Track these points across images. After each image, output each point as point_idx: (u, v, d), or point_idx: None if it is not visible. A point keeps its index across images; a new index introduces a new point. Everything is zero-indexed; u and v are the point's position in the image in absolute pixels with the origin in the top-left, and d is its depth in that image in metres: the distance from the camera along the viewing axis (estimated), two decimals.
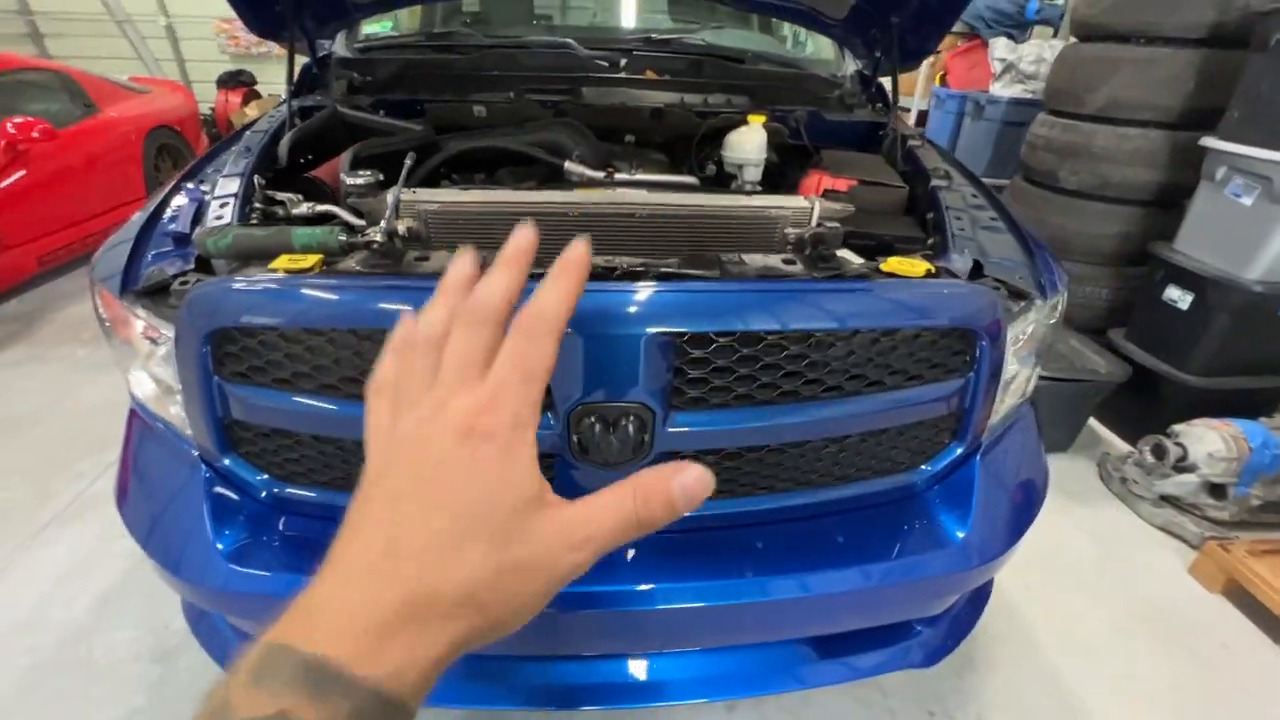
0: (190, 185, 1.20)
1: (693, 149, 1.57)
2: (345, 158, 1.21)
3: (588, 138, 1.44)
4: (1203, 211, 2.24)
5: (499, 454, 0.32)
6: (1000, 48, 3.89)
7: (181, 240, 1.04)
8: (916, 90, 4.74)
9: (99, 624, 1.59)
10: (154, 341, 0.98)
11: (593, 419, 0.85)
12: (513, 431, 0.33)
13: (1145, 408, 2.37)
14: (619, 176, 1.26)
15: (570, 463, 0.89)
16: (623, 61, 1.73)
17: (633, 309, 0.83)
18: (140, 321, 0.96)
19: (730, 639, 1.12)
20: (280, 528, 1.00)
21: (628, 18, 2.38)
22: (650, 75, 1.74)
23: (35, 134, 3.15)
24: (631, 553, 0.99)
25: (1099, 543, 2.01)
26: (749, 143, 1.40)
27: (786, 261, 1.01)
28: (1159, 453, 2.08)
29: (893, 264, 1.00)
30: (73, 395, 2.53)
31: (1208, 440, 2.00)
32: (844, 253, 1.09)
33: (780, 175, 1.56)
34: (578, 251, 0.37)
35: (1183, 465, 2.03)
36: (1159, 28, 2.43)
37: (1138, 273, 2.58)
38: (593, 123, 1.51)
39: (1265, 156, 1.98)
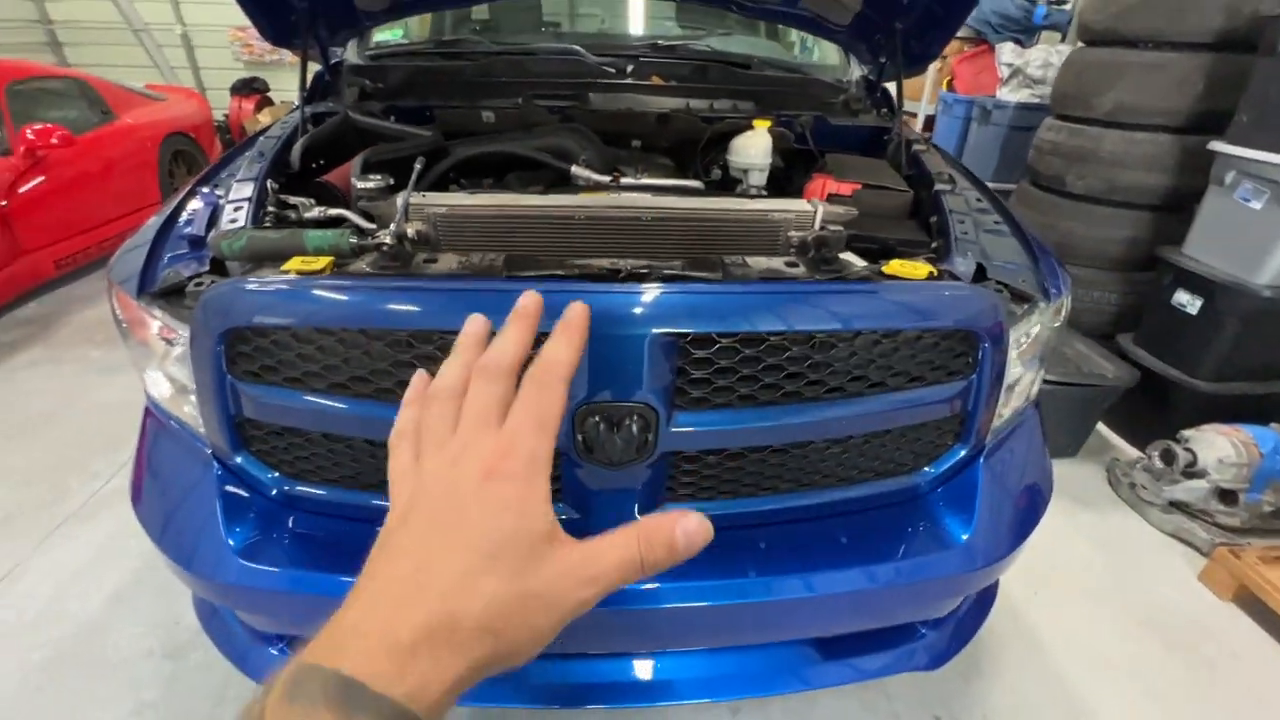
0: (205, 189, 1.22)
1: (698, 154, 1.58)
2: (356, 163, 1.24)
3: (594, 143, 1.45)
4: (1212, 216, 2.23)
5: (518, 494, 0.35)
6: (1007, 53, 3.89)
7: (197, 243, 1.06)
8: (924, 95, 4.74)
9: (112, 620, 1.61)
10: (169, 342, 1.00)
11: (597, 418, 0.86)
12: (530, 473, 0.35)
13: (1154, 413, 2.36)
14: (625, 181, 1.28)
15: (575, 461, 0.91)
16: (629, 67, 1.75)
17: (637, 310, 0.84)
18: (156, 322, 0.99)
19: (734, 639, 1.13)
20: (290, 525, 1.02)
21: (635, 25, 2.41)
22: (656, 81, 1.76)
23: (54, 140, 3.21)
24: None
25: (1107, 549, 1.99)
26: (754, 147, 1.41)
27: (789, 264, 1.02)
28: (1168, 458, 2.07)
29: (895, 266, 1.01)
30: (87, 396, 2.57)
31: (1218, 446, 1.98)
32: (847, 256, 1.10)
33: (785, 180, 1.57)
34: (579, 311, 0.42)
35: (1192, 471, 2.01)
36: (1167, 32, 2.43)
37: (1146, 277, 2.57)
38: (599, 128, 1.53)
39: (1274, 161, 1.97)
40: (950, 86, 4.52)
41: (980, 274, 1.08)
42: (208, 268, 1.00)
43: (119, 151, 3.89)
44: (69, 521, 1.93)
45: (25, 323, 3.17)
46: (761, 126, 1.43)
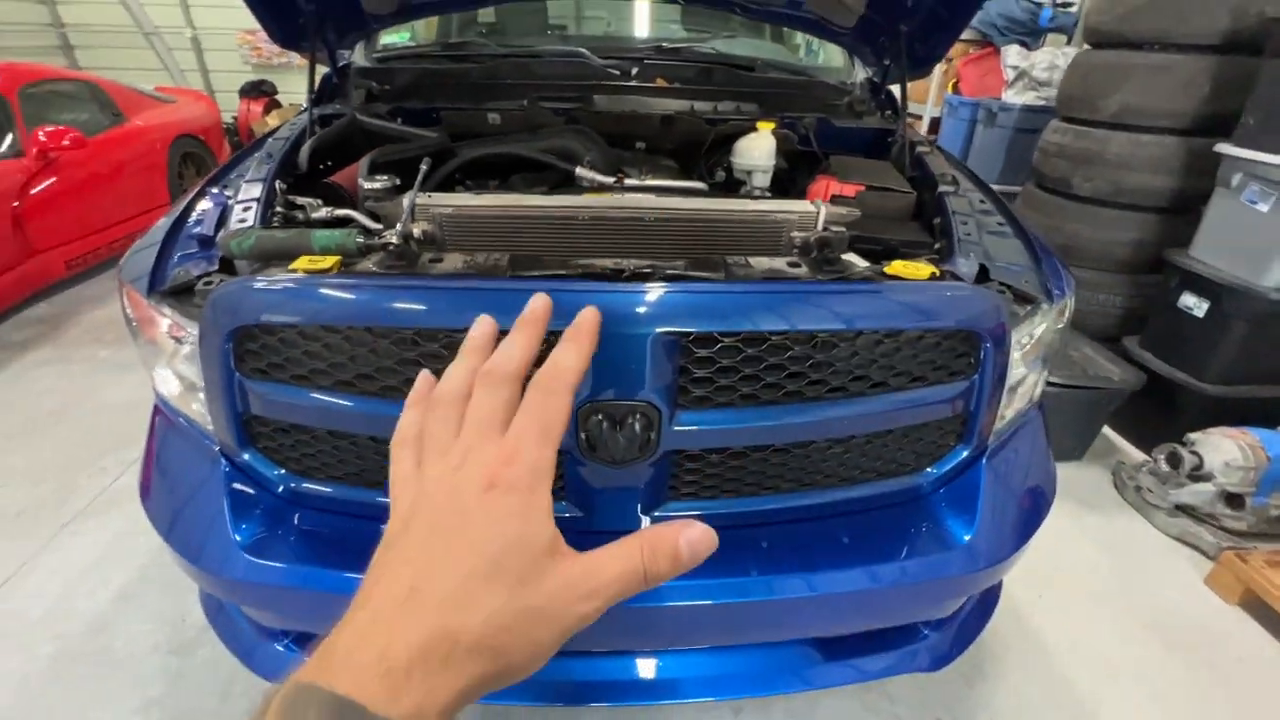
0: (214, 190, 1.24)
1: (702, 155, 1.59)
2: (363, 164, 1.25)
3: (599, 144, 1.46)
4: (1218, 218, 2.22)
5: (520, 504, 0.34)
6: (1013, 55, 3.88)
7: (206, 242, 1.08)
8: (929, 98, 4.74)
9: (119, 617, 1.63)
10: (178, 340, 1.01)
11: (600, 417, 0.86)
12: (532, 482, 0.35)
13: (1160, 416, 2.35)
14: (629, 182, 1.29)
15: (578, 459, 0.91)
16: (634, 70, 1.76)
17: (640, 309, 0.85)
18: (166, 320, 1.00)
19: (736, 638, 1.13)
20: (295, 522, 1.03)
21: (640, 28, 2.42)
22: (661, 83, 1.77)
23: (66, 142, 3.25)
24: None
25: (1113, 552, 1.99)
26: (758, 149, 1.42)
27: (791, 264, 1.02)
28: (1174, 461, 2.06)
29: (897, 267, 1.01)
30: (97, 395, 2.60)
31: (1224, 449, 1.97)
32: (849, 256, 1.10)
33: (789, 181, 1.58)
34: (590, 317, 0.41)
35: (1199, 474, 2.00)
36: (1173, 34, 2.43)
37: (1152, 280, 2.56)
38: (604, 130, 1.54)
39: None
40: (956, 89, 4.52)
41: (983, 275, 1.08)
42: (216, 267, 1.01)
43: (129, 153, 3.93)
44: (77, 519, 1.95)
45: (36, 322, 3.21)
46: (765, 128, 1.44)
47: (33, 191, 3.18)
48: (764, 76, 1.85)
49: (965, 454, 1.09)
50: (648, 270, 0.93)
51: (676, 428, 0.90)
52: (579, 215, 1.10)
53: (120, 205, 3.81)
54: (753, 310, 0.88)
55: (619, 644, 1.11)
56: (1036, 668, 1.59)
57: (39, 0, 6.71)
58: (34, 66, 3.79)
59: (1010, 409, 1.14)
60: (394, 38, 2.09)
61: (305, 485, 1.02)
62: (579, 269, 0.93)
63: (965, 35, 4.14)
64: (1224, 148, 2.15)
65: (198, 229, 1.11)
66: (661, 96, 1.72)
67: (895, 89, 1.80)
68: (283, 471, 1.02)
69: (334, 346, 0.90)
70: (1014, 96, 3.87)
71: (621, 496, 0.97)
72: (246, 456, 1.02)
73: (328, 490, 1.02)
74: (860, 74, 1.95)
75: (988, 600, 1.30)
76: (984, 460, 1.12)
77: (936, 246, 1.20)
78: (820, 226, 1.08)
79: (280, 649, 1.14)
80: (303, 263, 0.95)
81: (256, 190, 1.15)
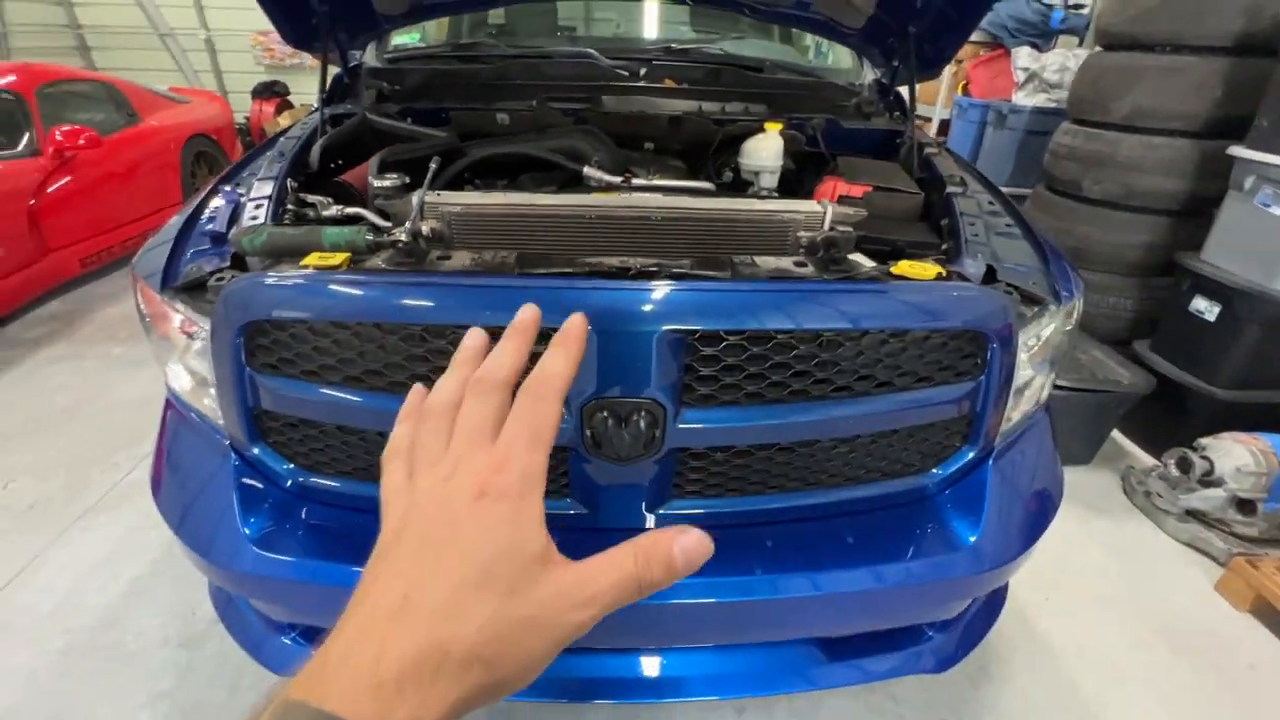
0: (227, 188, 1.25)
1: (710, 156, 1.60)
2: (373, 162, 1.26)
3: (607, 144, 1.47)
4: (1231, 221, 2.20)
5: (510, 512, 0.34)
6: (1023, 57, 3.86)
7: (219, 239, 1.09)
8: (938, 99, 4.72)
9: (130, 610, 1.65)
10: (190, 336, 1.03)
11: (605, 414, 0.87)
12: (523, 490, 0.35)
13: (1170, 420, 2.33)
14: (636, 182, 1.29)
15: (583, 456, 0.92)
16: (643, 71, 1.77)
17: (646, 307, 0.85)
18: (178, 316, 1.02)
19: (740, 636, 1.13)
20: (303, 516, 1.04)
21: (649, 29, 2.43)
22: (669, 84, 1.77)
23: (82, 141, 3.29)
24: None
25: (1122, 557, 1.97)
26: (765, 150, 1.42)
27: (798, 264, 1.03)
28: (1184, 466, 2.04)
29: (903, 267, 1.01)
30: (109, 391, 2.63)
31: (1235, 454, 1.95)
32: (856, 256, 1.10)
33: (797, 182, 1.58)
34: (577, 323, 0.41)
35: (1209, 480, 1.98)
36: (1186, 36, 2.41)
37: (1163, 283, 2.55)
38: (612, 130, 1.55)
39: None
40: (965, 91, 4.50)
41: (990, 276, 1.08)
42: (229, 263, 1.02)
43: (143, 153, 3.98)
44: (89, 514, 1.98)
45: (50, 319, 3.25)
46: (773, 129, 1.44)
47: (49, 190, 3.22)
48: (772, 77, 1.85)
49: (971, 455, 1.09)
50: (654, 269, 0.94)
51: (681, 425, 0.90)
52: (586, 214, 1.10)
53: (134, 204, 3.86)
54: (758, 309, 0.88)
55: (623, 641, 1.11)
56: (1043, 670, 1.58)
57: (56, 2, 6.81)
58: (51, 67, 3.84)
59: (1017, 411, 1.14)
60: (405, 38, 2.11)
61: (313, 480, 1.03)
62: (586, 267, 0.94)
63: (975, 37, 4.14)
64: (1237, 150, 2.13)
65: (210, 226, 1.13)
66: (669, 97, 1.72)
67: (904, 90, 1.80)
68: (291, 466, 1.03)
69: (343, 342, 0.91)
70: (1024, 98, 3.85)
71: (626, 494, 0.98)
72: (256, 451, 1.03)
73: (335, 485, 1.03)
74: (869, 75, 1.95)
75: (994, 602, 1.29)
76: (990, 462, 1.11)
77: (944, 247, 1.20)
78: (827, 226, 1.08)
79: (288, 642, 1.15)
80: (313, 259, 0.96)
81: (268, 188, 1.17)
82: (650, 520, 1.00)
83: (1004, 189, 1.45)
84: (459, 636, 0.30)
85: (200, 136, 4.56)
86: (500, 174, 1.51)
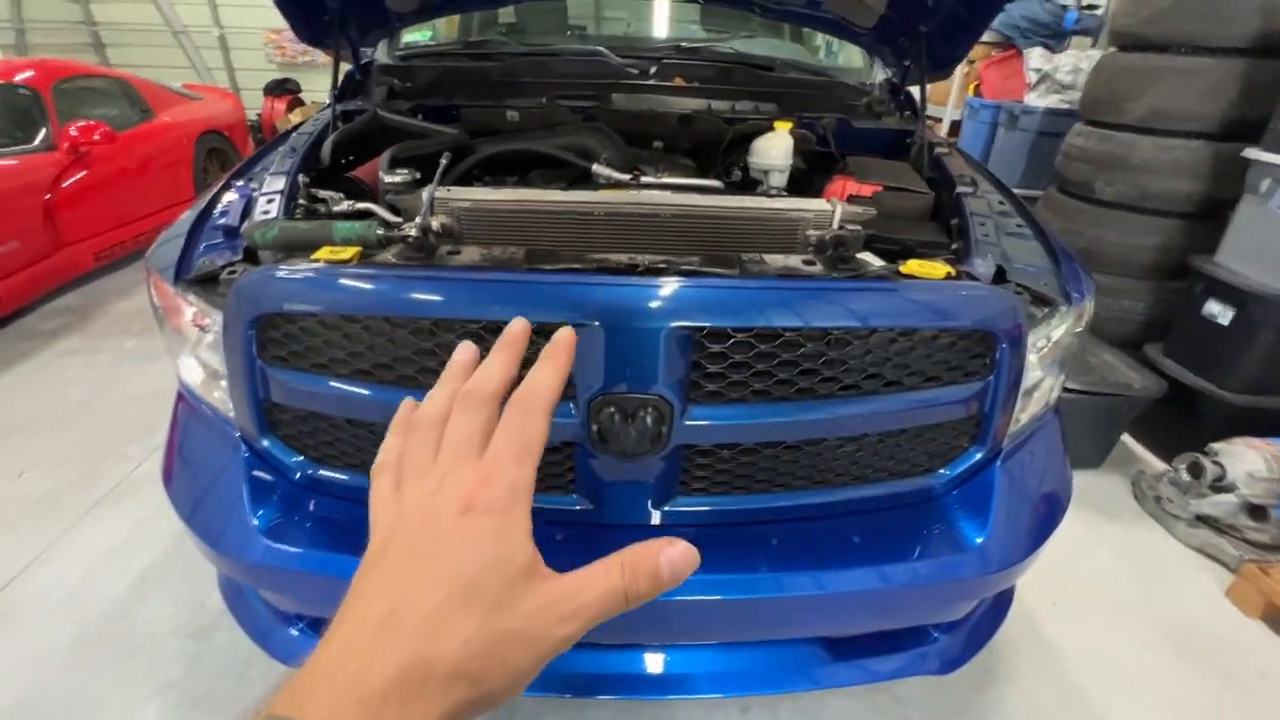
0: (240, 183, 1.27)
1: (719, 155, 1.59)
2: (384, 158, 1.27)
3: (616, 142, 1.47)
4: (1246, 224, 2.18)
5: (497, 526, 0.34)
6: (1036, 58, 3.84)
7: (231, 233, 1.10)
8: (950, 100, 4.69)
9: (140, 600, 1.66)
10: (202, 329, 1.04)
11: (612, 410, 0.87)
12: (509, 504, 0.35)
13: (1182, 425, 2.31)
14: (645, 179, 1.29)
15: (589, 452, 0.92)
16: (653, 69, 1.77)
17: (653, 303, 0.85)
18: (191, 308, 1.03)
19: (744, 634, 1.13)
20: (311, 508, 1.05)
21: (660, 28, 2.43)
22: (679, 82, 1.77)
23: (96, 137, 3.32)
24: None
25: (1131, 562, 1.95)
26: (775, 148, 1.41)
27: (806, 262, 1.02)
28: (1195, 471, 2.02)
29: (912, 266, 1.01)
30: (122, 384, 2.66)
31: (1248, 460, 1.94)
32: (865, 255, 1.10)
33: (806, 181, 1.58)
34: (565, 337, 0.41)
35: (1220, 485, 1.96)
36: (1202, 37, 2.39)
37: (1176, 286, 2.52)
38: (621, 128, 1.55)
39: None
40: (977, 92, 4.47)
41: (1000, 276, 1.07)
42: (241, 256, 1.03)
43: (157, 148, 4.01)
44: (100, 505, 2.00)
45: (64, 312, 3.28)
46: (783, 128, 1.44)
47: (64, 185, 3.26)
48: (782, 76, 1.85)
49: (979, 456, 1.09)
50: (662, 265, 0.94)
51: (688, 422, 0.90)
52: (595, 211, 1.10)
53: (147, 199, 3.89)
54: (766, 306, 0.88)
55: (628, 637, 1.11)
56: (1049, 674, 1.57)
57: None
58: (67, 63, 3.88)
59: (1026, 412, 1.13)
60: (416, 36, 2.12)
61: (322, 472, 1.04)
62: (594, 263, 0.94)
63: (987, 37, 4.11)
64: (1253, 153, 2.11)
65: (223, 220, 1.14)
66: (679, 95, 1.72)
67: (915, 90, 1.79)
68: (301, 458, 1.04)
69: (353, 336, 0.92)
70: (1037, 99, 3.82)
71: (632, 490, 0.98)
72: (266, 443, 1.04)
73: (343, 477, 1.04)
74: (880, 75, 1.94)
75: (1000, 604, 1.29)
76: (998, 463, 1.11)
77: (954, 247, 1.19)
78: (836, 225, 1.08)
79: (295, 633, 1.16)
80: (324, 253, 0.97)
81: (280, 183, 1.18)
82: (656, 517, 1.01)
83: (1015, 191, 1.44)
84: (444, 652, 0.30)
85: (213, 133, 4.60)
86: (510, 171, 1.51)
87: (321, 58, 6.65)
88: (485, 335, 0.87)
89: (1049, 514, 1.15)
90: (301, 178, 1.22)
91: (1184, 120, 2.46)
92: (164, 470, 1.17)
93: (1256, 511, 1.93)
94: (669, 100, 1.69)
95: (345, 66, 1.73)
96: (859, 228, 1.06)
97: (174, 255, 1.08)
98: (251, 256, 1.04)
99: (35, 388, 2.63)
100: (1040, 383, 1.13)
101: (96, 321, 3.21)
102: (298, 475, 1.05)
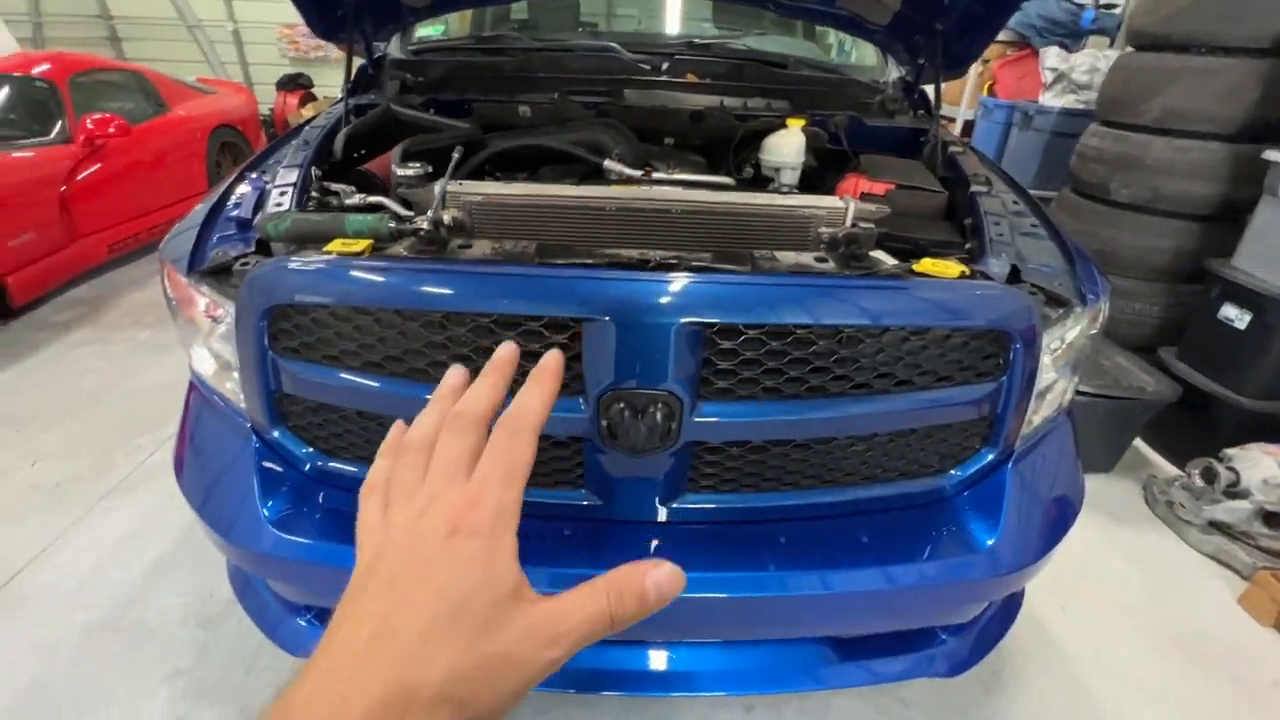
0: (253, 175, 1.27)
1: (731, 151, 1.59)
2: (396, 152, 1.27)
3: (628, 138, 1.47)
4: (1264, 227, 2.15)
5: (483, 550, 0.34)
6: (1052, 57, 3.80)
7: (244, 225, 1.11)
8: (963, 100, 4.66)
9: (150, 589, 1.68)
10: (215, 319, 1.04)
11: (622, 405, 0.87)
12: (495, 527, 0.35)
13: (1195, 430, 2.28)
14: (656, 175, 1.29)
15: (599, 447, 0.92)
16: (665, 65, 1.76)
17: (664, 299, 0.85)
18: (204, 299, 1.03)
19: (751, 632, 1.13)
20: (320, 500, 1.05)
21: (672, 24, 2.42)
22: (691, 78, 1.76)
23: (111, 130, 3.35)
24: (655, 542, 1.01)
25: (1142, 567, 1.93)
26: (787, 146, 1.41)
27: (819, 259, 1.02)
28: (1209, 477, 2.00)
29: (926, 265, 1.00)
30: (134, 375, 2.68)
31: (1263, 465, 1.91)
32: (878, 253, 1.09)
33: (818, 179, 1.57)
34: (552, 360, 0.42)
35: (1234, 491, 1.94)
36: (1222, 37, 2.35)
37: (1191, 290, 2.49)
38: (633, 124, 1.54)
39: None
40: (991, 91, 4.44)
41: (1015, 276, 1.06)
42: (253, 248, 1.04)
43: (171, 142, 4.04)
44: (112, 494, 2.02)
45: (77, 303, 3.32)
46: (795, 125, 1.43)
47: (79, 177, 3.29)
48: (795, 74, 1.84)
49: (990, 457, 1.08)
50: (674, 261, 0.94)
51: (698, 419, 0.90)
52: (606, 206, 1.10)
53: (161, 192, 3.92)
54: (778, 303, 0.88)
55: (633, 634, 1.11)
56: (1058, 678, 1.55)
57: None
58: (83, 56, 3.91)
59: (1038, 414, 1.12)
60: (428, 31, 2.12)
61: (332, 464, 1.04)
62: (605, 258, 0.94)
63: (1002, 36, 4.07)
64: (1273, 155, 2.07)
65: (236, 212, 1.15)
66: (691, 92, 1.72)
67: (929, 88, 1.77)
68: (311, 450, 1.05)
69: (364, 328, 0.92)
70: (1052, 99, 3.79)
71: (641, 486, 0.98)
72: (276, 434, 1.04)
73: (352, 470, 1.04)
74: (893, 73, 1.93)
75: (1009, 607, 1.28)
76: (1010, 465, 1.10)
77: (967, 246, 1.18)
78: (849, 222, 1.07)
79: (304, 624, 1.17)
80: (336, 245, 0.97)
81: (293, 176, 1.18)
82: (664, 513, 1.00)
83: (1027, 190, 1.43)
84: (427, 678, 0.30)
85: (226, 127, 4.63)
86: (521, 166, 1.51)
87: (334, 53, 6.71)
88: (474, 357, 0.88)
89: (1060, 517, 1.14)
90: (314, 171, 1.22)
91: (1202, 121, 2.42)
92: (175, 460, 1.18)
93: (1271, 518, 1.91)
94: (681, 97, 1.69)
95: (358, 61, 1.73)
96: (872, 225, 1.06)
97: (187, 246, 1.09)
98: (264, 248, 1.05)
99: (48, 378, 2.66)
100: (1054, 385, 1.12)
101: (109, 313, 3.24)
102: (308, 467, 1.05)
